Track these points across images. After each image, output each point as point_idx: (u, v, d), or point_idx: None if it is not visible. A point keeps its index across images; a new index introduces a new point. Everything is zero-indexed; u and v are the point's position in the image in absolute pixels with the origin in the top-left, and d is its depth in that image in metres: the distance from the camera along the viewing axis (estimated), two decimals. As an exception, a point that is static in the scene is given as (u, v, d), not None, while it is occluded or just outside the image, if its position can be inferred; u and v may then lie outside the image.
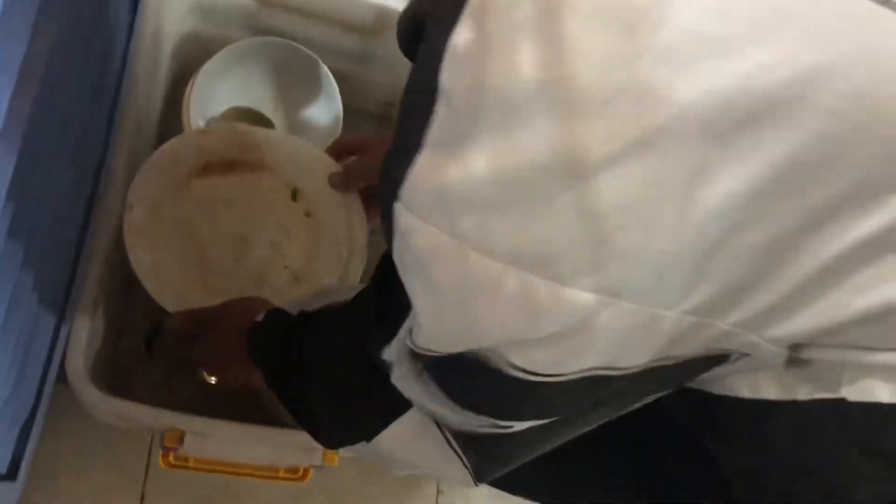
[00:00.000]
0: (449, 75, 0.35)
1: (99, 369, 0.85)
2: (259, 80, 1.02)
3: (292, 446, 0.78)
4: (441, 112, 0.35)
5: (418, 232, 0.37)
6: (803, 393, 0.43)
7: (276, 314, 0.67)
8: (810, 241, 0.36)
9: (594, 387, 0.42)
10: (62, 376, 0.74)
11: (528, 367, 0.40)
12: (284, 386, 0.64)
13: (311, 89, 1.03)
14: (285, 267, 0.93)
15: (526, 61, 0.33)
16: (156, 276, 0.83)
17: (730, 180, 0.33)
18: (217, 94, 0.99)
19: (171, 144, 0.87)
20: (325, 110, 1.04)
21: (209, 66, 0.95)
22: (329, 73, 1.01)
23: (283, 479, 0.86)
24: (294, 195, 0.94)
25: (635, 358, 0.40)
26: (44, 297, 0.64)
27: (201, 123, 0.95)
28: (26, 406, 0.65)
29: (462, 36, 0.34)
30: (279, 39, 0.99)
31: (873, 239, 0.36)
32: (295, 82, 1.02)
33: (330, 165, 0.92)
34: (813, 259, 0.36)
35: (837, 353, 0.41)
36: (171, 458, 0.81)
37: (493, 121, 0.33)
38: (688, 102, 0.32)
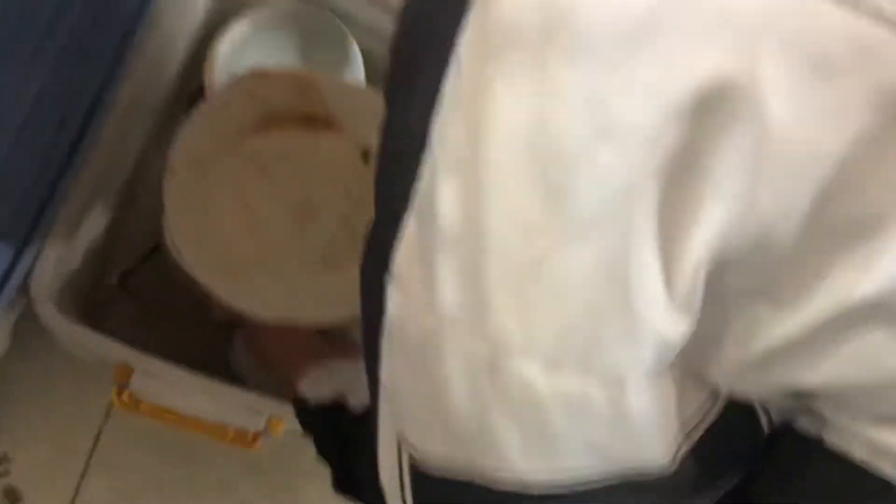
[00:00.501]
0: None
1: (73, 295, 0.85)
2: (286, 46, 1.02)
3: (238, 406, 0.77)
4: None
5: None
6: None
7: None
8: None
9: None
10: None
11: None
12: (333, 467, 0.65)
13: (338, 63, 1.02)
14: (354, 243, 0.79)
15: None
16: (198, 246, 0.74)
17: None
18: (244, 54, 1.00)
19: (223, 94, 0.79)
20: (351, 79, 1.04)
21: (239, 25, 0.96)
22: (358, 49, 1.01)
23: (231, 441, 0.85)
24: (366, 158, 0.82)
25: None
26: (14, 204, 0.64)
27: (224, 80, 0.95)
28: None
29: None
30: (313, 8, 0.99)
31: None
32: (322, 53, 1.02)
33: None
34: None
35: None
36: (124, 397, 0.81)
37: None
38: None
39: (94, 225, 0.82)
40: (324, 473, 1.11)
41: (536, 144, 0.31)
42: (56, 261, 0.74)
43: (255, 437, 0.83)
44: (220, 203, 0.77)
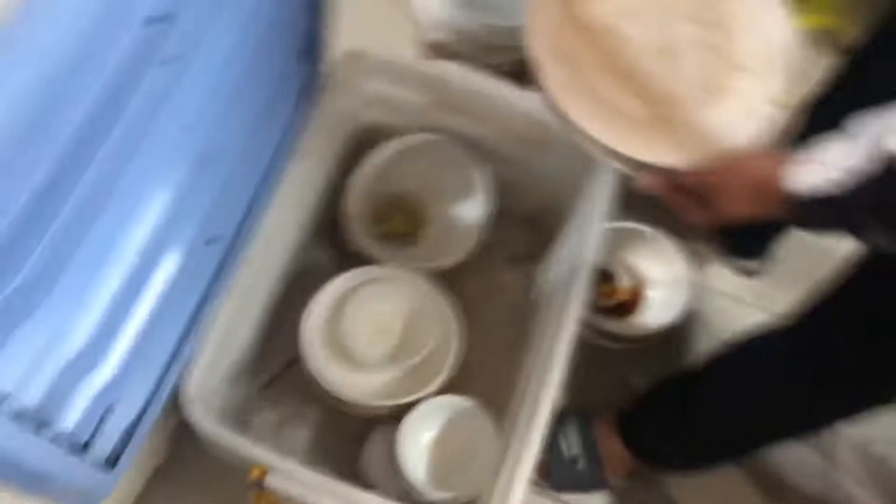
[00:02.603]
0: None
1: (221, 402, 0.93)
2: (423, 171, 1.11)
3: (363, 506, 0.79)
4: None
5: None
6: None
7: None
8: None
9: None
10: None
11: None
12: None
13: (468, 187, 1.10)
14: (736, 66, 0.78)
15: None
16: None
17: None
18: (382, 178, 1.10)
19: None
20: (478, 207, 1.11)
21: (378, 157, 1.06)
22: (487, 172, 1.08)
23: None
24: None
25: None
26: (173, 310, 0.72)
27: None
28: (133, 407, 0.73)
29: None
30: (444, 139, 1.08)
31: None
32: (454, 177, 1.10)
33: None
34: None
35: None
36: (262, 502, 0.86)
37: None
38: None
39: (242, 337, 0.90)
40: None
41: None
42: (206, 368, 0.81)
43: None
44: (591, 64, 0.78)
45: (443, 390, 0.98)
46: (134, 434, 0.74)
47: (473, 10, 1.12)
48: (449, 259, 1.07)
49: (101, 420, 0.67)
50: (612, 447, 1.04)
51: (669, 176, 0.73)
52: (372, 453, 0.97)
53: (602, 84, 0.78)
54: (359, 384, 0.98)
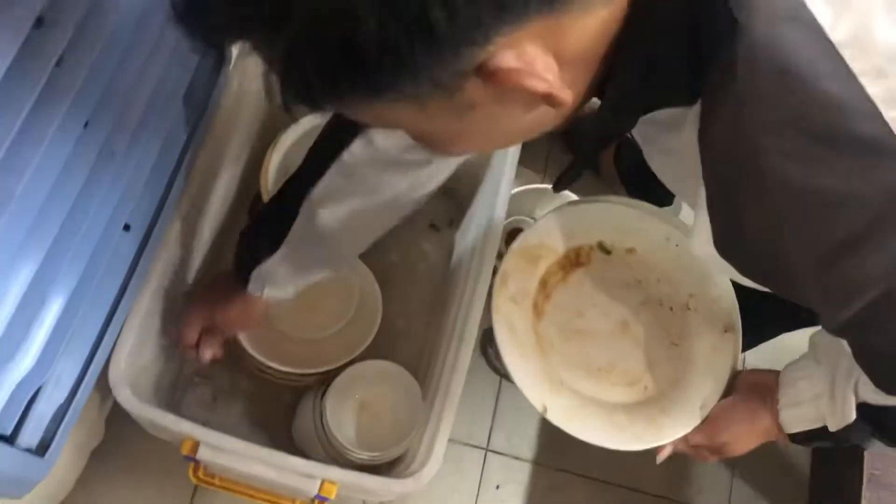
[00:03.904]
0: None
1: (151, 382, 0.96)
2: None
3: (293, 471, 0.83)
4: None
5: None
6: None
7: None
8: None
9: None
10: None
11: None
12: None
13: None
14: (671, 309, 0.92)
15: None
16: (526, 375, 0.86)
17: None
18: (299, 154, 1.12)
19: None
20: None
21: (286, 136, 1.08)
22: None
23: (293, 509, 0.92)
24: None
25: None
26: (99, 291, 0.75)
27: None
28: (61, 393, 0.76)
29: None
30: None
31: None
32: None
33: None
34: None
35: None
36: (200, 474, 0.90)
37: None
38: None
39: (165, 319, 0.93)
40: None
41: None
42: (131, 349, 0.84)
43: (318, 504, 0.90)
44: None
45: (367, 357, 1.03)
46: (63, 420, 0.77)
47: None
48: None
49: (27, 409, 0.70)
50: None
51: (682, 444, 0.87)
52: (302, 420, 1.01)
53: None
54: (286, 354, 1.02)
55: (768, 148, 0.42)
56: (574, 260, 0.91)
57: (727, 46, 0.42)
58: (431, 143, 0.49)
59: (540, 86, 0.41)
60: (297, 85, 0.40)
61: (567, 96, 0.42)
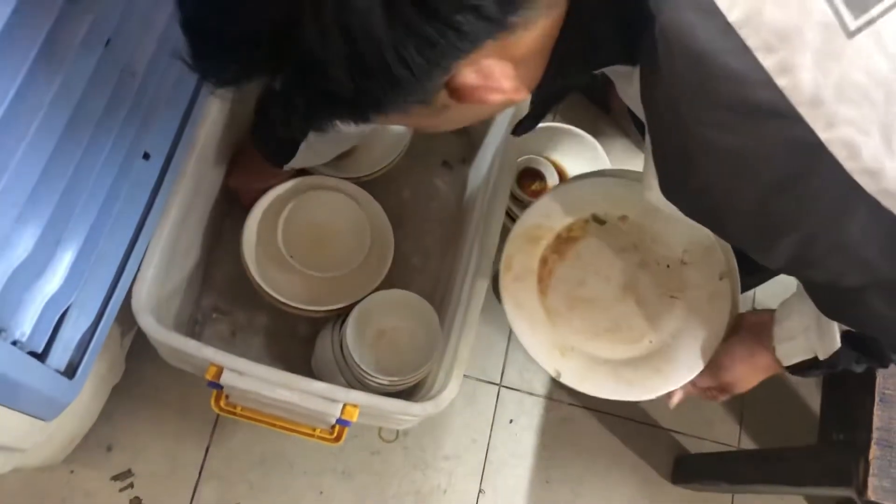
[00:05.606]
0: None
1: (172, 314, 0.97)
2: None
3: (317, 394, 0.85)
4: None
5: None
6: None
7: None
8: None
9: None
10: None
11: None
12: None
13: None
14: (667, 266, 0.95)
15: None
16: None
17: None
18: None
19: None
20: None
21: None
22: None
23: (318, 437, 0.94)
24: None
25: None
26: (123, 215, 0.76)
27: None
28: (87, 318, 0.77)
29: None
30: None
31: None
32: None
33: None
34: None
35: None
36: (222, 403, 0.91)
37: None
38: None
39: (186, 249, 0.94)
40: (412, 476, 1.18)
41: None
42: (152, 279, 0.85)
43: (338, 432, 0.92)
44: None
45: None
46: (89, 346, 0.78)
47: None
48: (379, 166, 1.11)
49: (57, 328, 0.71)
50: None
51: (691, 388, 0.92)
52: (322, 351, 1.03)
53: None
54: (302, 291, 1.03)
55: (688, 116, 0.49)
56: (570, 235, 0.96)
57: (650, 30, 0.49)
58: (415, 129, 0.56)
59: (498, 98, 0.51)
60: (293, 116, 0.50)
61: (523, 94, 0.53)
